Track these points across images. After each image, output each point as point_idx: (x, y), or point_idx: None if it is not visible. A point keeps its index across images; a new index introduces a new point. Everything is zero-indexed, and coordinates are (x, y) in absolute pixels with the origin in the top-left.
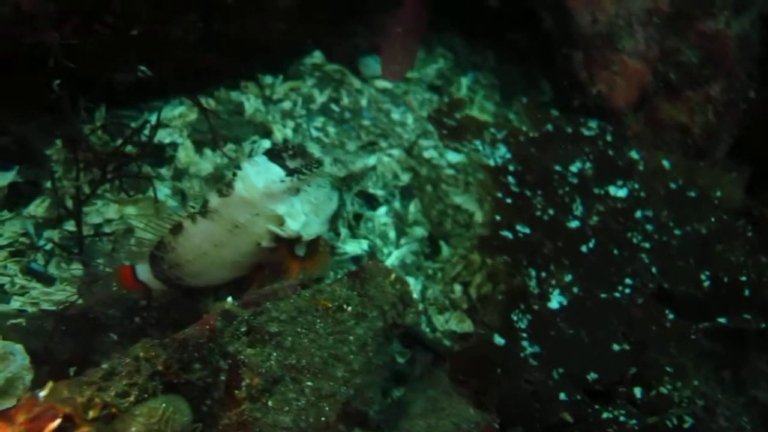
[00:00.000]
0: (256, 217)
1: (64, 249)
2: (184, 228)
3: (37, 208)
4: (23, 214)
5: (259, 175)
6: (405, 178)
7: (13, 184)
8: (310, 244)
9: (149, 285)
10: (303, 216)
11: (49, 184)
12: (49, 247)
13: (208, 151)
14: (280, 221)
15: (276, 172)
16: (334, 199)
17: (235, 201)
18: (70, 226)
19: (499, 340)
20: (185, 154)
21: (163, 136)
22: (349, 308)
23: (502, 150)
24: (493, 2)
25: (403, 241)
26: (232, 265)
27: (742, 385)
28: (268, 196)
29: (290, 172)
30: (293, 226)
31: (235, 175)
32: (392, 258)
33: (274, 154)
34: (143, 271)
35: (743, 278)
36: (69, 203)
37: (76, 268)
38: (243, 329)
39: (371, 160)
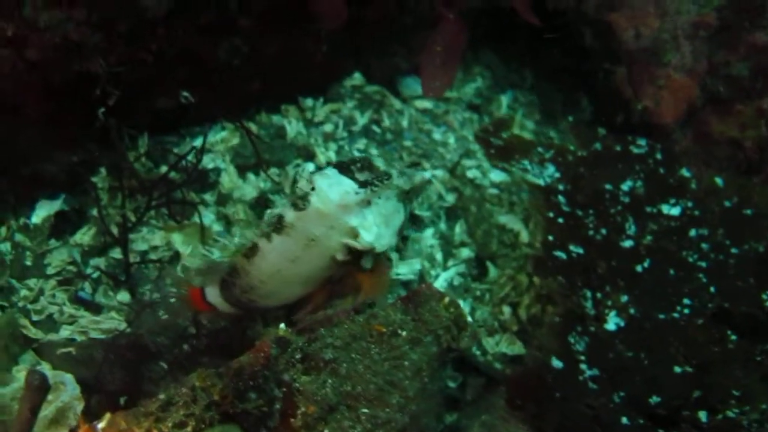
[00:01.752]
0: (331, 230)
1: (111, 277)
2: (260, 249)
3: (84, 236)
4: (70, 243)
5: (332, 187)
6: (450, 198)
7: (60, 212)
8: (375, 258)
9: (219, 308)
10: (375, 228)
11: (95, 212)
12: (96, 275)
13: (251, 176)
14: (354, 234)
15: (348, 184)
16: (401, 211)
17: (311, 214)
18: (116, 253)
19: (556, 363)
20: (229, 179)
21: (206, 162)
22: (404, 333)
23: (551, 169)
24: (535, 22)
25: (450, 262)
26: (306, 281)
27: None
28: (342, 209)
29: (363, 185)
30: (367, 237)
31: (313, 189)
32: (440, 280)
33: (344, 167)
34: (213, 294)
35: None
36: (115, 231)
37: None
38: (298, 356)
39: (427, 174)
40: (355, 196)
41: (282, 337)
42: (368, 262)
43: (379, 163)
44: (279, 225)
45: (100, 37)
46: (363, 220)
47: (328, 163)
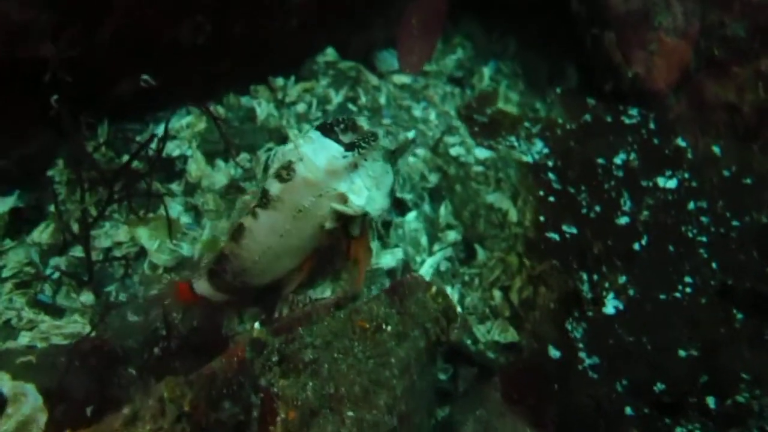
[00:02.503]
0: (319, 198)
1: (73, 277)
2: (246, 228)
3: (42, 234)
4: (27, 242)
5: (317, 153)
6: (433, 178)
7: (15, 209)
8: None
9: (210, 298)
10: (366, 191)
11: (52, 208)
12: (56, 275)
13: (220, 162)
14: (344, 199)
15: (335, 148)
16: (390, 172)
17: (297, 184)
18: (78, 251)
19: (554, 353)
20: (196, 166)
21: (172, 149)
22: (389, 328)
23: (539, 145)
24: None
25: (436, 247)
26: (296, 253)
27: None
28: (330, 174)
29: (349, 147)
30: (358, 202)
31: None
32: (426, 266)
33: (327, 129)
34: (202, 286)
35: None
36: (75, 227)
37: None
38: (275, 359)
39: (411, 134)
40: (342, 160)
41: (257, 339)
42: (356, 229)
43: (363, 123)
44: (265, 200)
45: (48, 17)
46: (351, 184)
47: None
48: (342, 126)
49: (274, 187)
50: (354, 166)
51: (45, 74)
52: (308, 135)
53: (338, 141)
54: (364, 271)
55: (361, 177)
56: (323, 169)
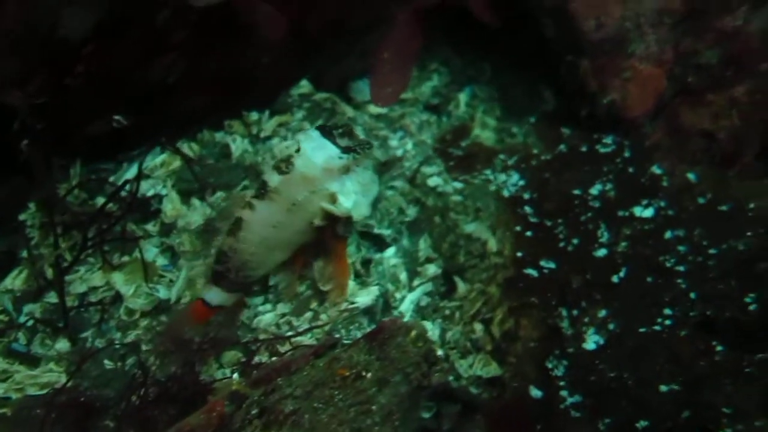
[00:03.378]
0: (312, 194)
1: (48, 324)
2: (244, 220)
3: (15, 280)
4: (0, 289)
5: (316, 151)
6: (411, 212)
7: None
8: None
9: (225, 304)
10: (354, 195)
11: (25, 253)
12: (31, 323)
13: (196, 202)
14: (334, 199)
15: (332, 149)
16: (376, 182)
17: (295, 178)
18: (53, 297)
19: (536, 393)
20: (171, 206)
21: (146, 188)
22: (369, 375)
23: (515, 177)
24: (493, 22)
25: (416, 282)
26: (287, 246)
27: None
28: (325, 173)
29: (345, 151)
30: (346, 204)
31: (298, 151)
32: (406, 303)
33: (326, 131)
34: (215, 295)
35: None
36: (49, 272)
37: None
38: (255, 411)
39: (399, 152)
40: (338, 161)
41: (236, 392)
42: (341, 229)
43: (359, 132)
44: (262, 190)
45: (14, 65)
46: (342, 186)
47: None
48: (340, 131)
49: (273, 179)
50: (347, 170)
51: (13, 121)
52: (309, 133)
53: (335, 143)
54: (345, 269)
55: (352, 181)
56: (320, 167)
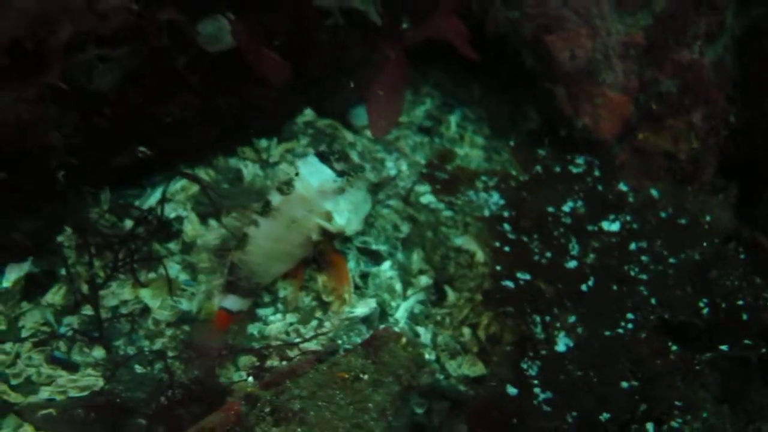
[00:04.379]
0: (309, 213)
1: (85, 334)
2: (250, 236)
3: (54, 296)
4: (42, 304)
5: (313, 175)
6: (405, 228)
7: (29, 275)
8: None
9: (242, 309)
10: (347, 213)
11: (63, 271)
12: (70, 333)
13: (213, 222)
14: (329, 217)
15: (328, 173)
16: (369, 201)
17: (294, 199)
18: (89, 310)
19: (511, 390)
20: (191, 227)
21: (168, 211)
22: (366, 377)
23: (495, 197)
24: (472, 57)
25: (409, 292)
26: (288, 258)
27: (747, 415)
28: (321, 194)
29: (340, 174)
30: (340, 221)
31: (297, 174)
32: (401, 310)
33: (324, 156)
34: (233, 302)
35: (740, 302)
36: (85, 288)
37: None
38: (267, 410)
39: (393, 172)
40: (332, 183)
41: (250, 393)
42: (339, 244)
43: (354, 156)
44: (266, 209)
45: (52, 111)
46: (336, 205)
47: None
48: (336, 156)
49: (275, 199)
50: (341, 191)
51: (51, 158)
52: (307, 159)
53: (332, 167)
54: (345, 281)
55: (345, 200)
56: (316, 189)
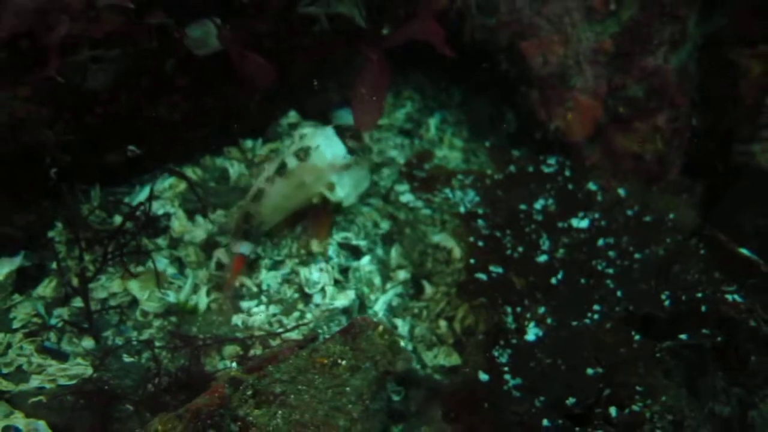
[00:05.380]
0: (317, 180)
1: (75, 325)
2: (265, 191)
3: (45, 288)
4: (33, 296)
5: (328, 147)
6: (384, 225)
7: (21, 268)
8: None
9: (252, 253)
10: (348, 188)
11: (54, 265)
12: (60, 324)
13: (200, 219)
14: (332, 188)
15: (341, 148)
16: (368, 179)
17: (307, 166)
18: (78, 302)
19: (483, 377)
20: (179, 223)
21: (157, 208)
22: (344, 362)
23: (471, 194)
24: (450, 54)
25: (388, 285)
26: (288, 212)
27: (704, 397)
28: (331, 167)
29: (351, 152)
30: (340, 194)
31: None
32: (380, 303)
33: (340, 131)
34: (247, 247)
35: (699, 295)
36: (75, 281)
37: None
38: (249, 392)
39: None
40: (342, 159)
41: (234, 377)
42: (332, 208)
43: (366, 137)
44: (281, 170)
45: (45, 109)
46: (341, 179)
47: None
48: (349, 133)
49: (291, 163)
50: (347, 167)
51: (44, 155)
52: (326, 131)
53: (345, 143)
54: (326, 232)
55: (349, 176)
56: (328, 161)
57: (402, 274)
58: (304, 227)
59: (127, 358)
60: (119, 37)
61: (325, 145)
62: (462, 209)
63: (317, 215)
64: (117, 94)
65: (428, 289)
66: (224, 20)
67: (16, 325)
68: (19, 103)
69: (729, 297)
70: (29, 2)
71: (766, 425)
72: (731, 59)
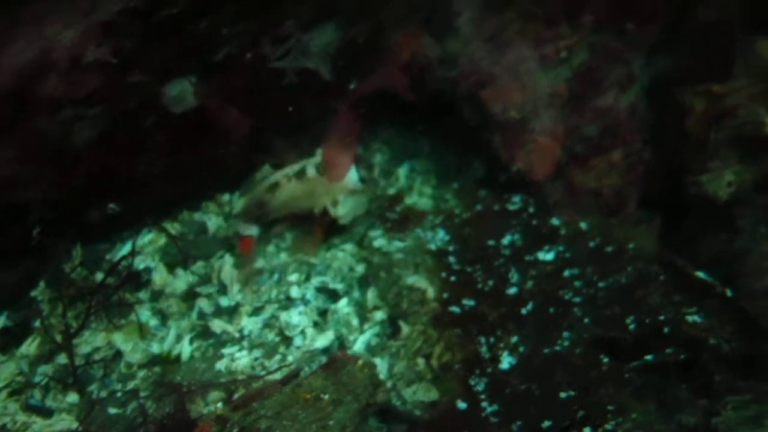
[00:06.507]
0: (326, 194)
1: (60, 381)
2: (281, 185)
3: (29, 347)
4: (17, 355)
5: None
6: (360, 268)
7: (4, 328)
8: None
9: (257, 234)
10: (348, 209)
11: (37, 323)
12: (44, 381)
13: (180, 271)
14: (336, 204)
15: (355, 175)
16: (364, 207)
17: (323, 179)
18: (62, 358)
19: (461, 404)
20: (159, 276)
21: (137, 262)
22: (327, 396)
23: (441, 233)
24: (413, 99)
25: (366, 326)
26: (291, 211)
27: (670, 411)
28: (342, 188)
29: (362, 181)
30: (340, 211)
31: None
32: (359, 343)
33: (357, 160)
34: (255, 230)
35: (662, 318)
36: (58, 338)
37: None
38: (236, 430)
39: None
40: (354, 184)
41: (220, 416)
42: (328, 219)
43: (376, 173)
44: (301, 174)
45: (30, 169)
46: (345, 199)
47: None
48: (362, 163)
49: (310, 171)
50: (354, 191)
51: (29, 214)
52: None
53: (359, 172)
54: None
55: (352, 199)
56: (343, 184)
57: (379, 315)
58: (298, 234)
59: (112, 410)
60: (101, 96)
61: None
62: (433, 247)
63: (315, 223)
64: (98, 152)
65: (405, 329)
66: (200, 78)
67: (0, 384)
68: (2, 162)
69: (689, 318)
70: (19, 60)
71: (729, 430)
72: (676, 98)
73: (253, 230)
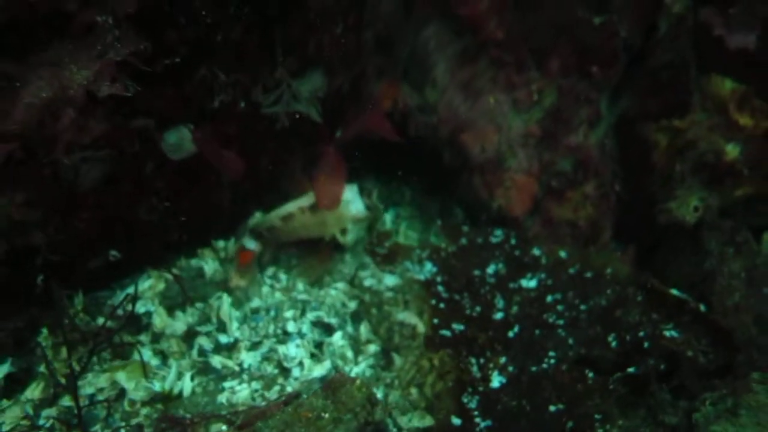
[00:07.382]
0: (336, 224)
1: (64, 423)
2: (294, 217)
3: (33, 391)
4: (21, 400)
5: (353, 203)
6: (352, 305)
7: (9, 374)
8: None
9: (256, 250)
10: (354, 235)
11: (41, 368)
12: (49, 424)
13: (179, 313)
14: (344, 233)
15: (362, 205)
16: (365, 231)
17: (335, 212)
18: (66, 401)
19: (456, 421)
20: (159, 319)
21: (138, 307)
22: (327, 415)
23: (428, 266)
24: (396, 138)
25: (360, 358)
26: (300, 238)
27: (653, 413)
28: (351, 218)
29: (367, 209)
30: (348, 238)
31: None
32: (354, 374)
33: (361, 191)
34: (256, 245)
35: (641, 334)
36: (62, 381)
37: None
38: None
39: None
40: (360, 213)
41: None
42: (334, 245)
43: (376, 201)
44: (314, 207)
45: (40, 212)
46: (351, 227)
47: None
48: (365, 194)
49: None
50: (359, 221)
51: (34, 259)
52: (353, 187)
53: (364, 201)
54: (329, 261)
55: (357, 227)
56: (352, 214)
57: (372, 348)
58: (305, 257)
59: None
60: (105, 141)
61: (352, 200)
62: (422, 277)
63: (323, 248)
64: (102, 197)
65: (398, 361)
66: (196, 125)
67: (5, 429)
68: (14, 207)
69: (667, 333)
70: (37, 99)
71: (707, 423)
72: (642, 134)
73: (252, 245)
